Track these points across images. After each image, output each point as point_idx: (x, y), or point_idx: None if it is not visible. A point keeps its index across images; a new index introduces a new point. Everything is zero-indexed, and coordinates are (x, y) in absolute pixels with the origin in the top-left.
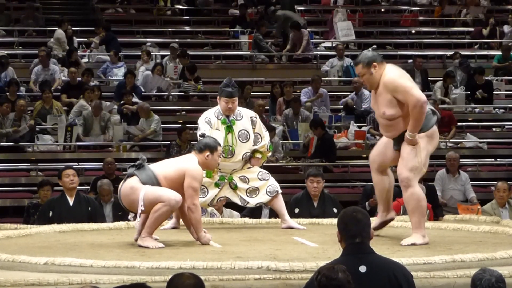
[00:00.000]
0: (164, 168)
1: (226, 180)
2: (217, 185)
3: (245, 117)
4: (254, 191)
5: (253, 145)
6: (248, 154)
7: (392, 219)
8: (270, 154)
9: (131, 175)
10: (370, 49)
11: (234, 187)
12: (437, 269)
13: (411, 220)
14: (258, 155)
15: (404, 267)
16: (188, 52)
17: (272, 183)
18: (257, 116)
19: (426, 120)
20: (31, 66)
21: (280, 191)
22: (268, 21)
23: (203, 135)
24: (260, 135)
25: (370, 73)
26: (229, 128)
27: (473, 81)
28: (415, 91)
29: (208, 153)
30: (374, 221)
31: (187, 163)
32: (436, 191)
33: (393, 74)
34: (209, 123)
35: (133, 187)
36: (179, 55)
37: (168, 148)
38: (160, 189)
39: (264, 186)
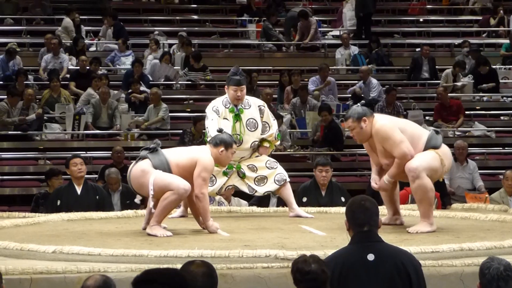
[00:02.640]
0: (177, 155)
1: (234, 169)
2: (225, 173)
3: (253, 106)
4: (262, 179)
5: (261, 134)
6: (256, 143)
7: (401, 224)
8: (278, 143)
9: (143, 158)
10: (359, 104)
11: (242, 176)
12: (445, 258)
13: (419, 210)
14: (266, 144)
15: (412, 255)
16: (195, 40)
17: (280, 172)
18: (265, 105)
19: (433, 140)
20: (39, 54)
21: (288, 179)
22: (276, 10)
23: (220, 131)
24: (268, 124)
25: (360, 127)
26: (237, 117)
27: (477, 71)
28: (404, 146)
29: (222, 148)
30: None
31: (200, 153)
32: (444, 180)
33: (384, 123)
34: (216, 112)
35: (144, 170)
36: (183, 43)
37: (182, 136)
38: (170, 176)
39: (272, 175)
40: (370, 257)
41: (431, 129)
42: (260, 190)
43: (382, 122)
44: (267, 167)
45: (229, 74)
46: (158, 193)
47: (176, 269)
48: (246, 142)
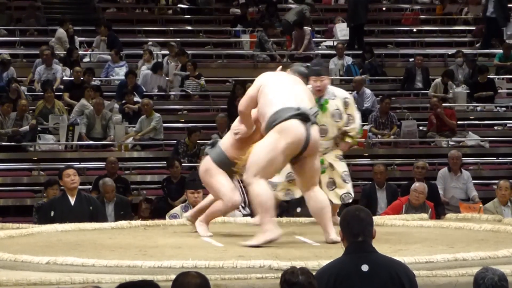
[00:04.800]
0: (227, 138)
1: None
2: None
3: (338, 97)
4: (331, 184)
5: (344, 127)
6: (339, 133)
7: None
8: (358, 137)
9: (205, 155)
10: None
11: (322, 171)
12: (439, 268)
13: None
14: (348, 140)
15: (406, 266)
16: (189, 51)
17: (350, 191)
18: (351, 98)
19: (275, 116)
20: (33, 65)
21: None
22: (270, 20)
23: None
24: (352, 117)
25: None
26: (322, 107)
27: (476, 79)
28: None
29: None
30: None
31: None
32: (438, 189)
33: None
34: None
35: (206, 169)
36: (177, 53)
37: (176, 147)
38: (225, 186)
39: (342, 188)
40: (365, 267)
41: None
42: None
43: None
44: (342, 177)
45: (310, 65)
46: (213, 194)
47: (151, 281)
48: (331, 133)
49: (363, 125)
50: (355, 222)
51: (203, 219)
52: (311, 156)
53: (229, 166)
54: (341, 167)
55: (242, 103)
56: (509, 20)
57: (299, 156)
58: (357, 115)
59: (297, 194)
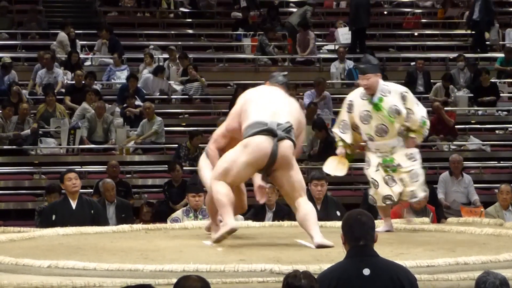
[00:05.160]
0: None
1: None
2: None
3: (394, 92)
4: (401, 182)
5: (405, 121)
6: (403, 129)
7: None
8: (426, 129)
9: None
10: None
11: (393, 170)
12: (440, 272)
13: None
14: (412, 135)
15: (408, 270)
16: (190, 55)
17: (414, 190)
18: (408, 91)
19: (247, 130)
20: (33, 70)
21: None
22: (271, 24)
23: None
24: (412, 110)
25: None
26: (377, 106)
27: (478, 82)
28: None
29: None
30: None
31: None
32: (435, 192)
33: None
34: (349, 107)
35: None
36: (179, 56)
37: (177, 150)
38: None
39: (408, 187)
40: (366, 271)
41: (269, 121)
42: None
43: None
44: (408, 175)
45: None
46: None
47: (150, 285)
48: (392, 131)
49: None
50: (357, 226)
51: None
52: (283, 169)
53: None
54: (408, 165)
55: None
56: (493, 24)
57: (269, 169)
58: (417, 108)
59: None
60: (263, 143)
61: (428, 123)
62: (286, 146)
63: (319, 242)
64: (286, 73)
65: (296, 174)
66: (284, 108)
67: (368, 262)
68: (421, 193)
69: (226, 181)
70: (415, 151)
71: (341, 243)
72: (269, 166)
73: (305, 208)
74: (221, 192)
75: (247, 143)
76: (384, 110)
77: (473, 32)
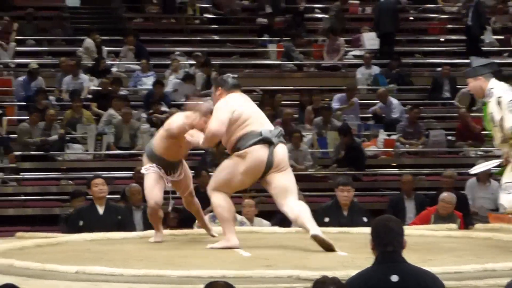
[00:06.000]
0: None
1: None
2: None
3: (493, 97)
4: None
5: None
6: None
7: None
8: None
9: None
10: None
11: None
12: (468, 278)
13: None
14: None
15: (436, 276)
16: (216, 61)
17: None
18: (504, 95)
19: (241, 141)
20: (56, 77)
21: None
22: (296, 30)
23: None
24: (504, 118)
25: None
26: (484, 112)
27: None
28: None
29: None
30: None
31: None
32: (467, 200)
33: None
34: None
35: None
36: (202, 64)
37: (203, 156)
38: (149, 185)
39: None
40: (394, 278)
41: (261, 130)
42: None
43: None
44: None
45: None
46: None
47: None
48: (496, 139)
49: (389, 135)
50: (385, 232)
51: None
52: (277, 172)
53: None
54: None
55: (218, 128)
56: (485, 29)
57: (265, 175)
58: (508, 115)
59: None
60: (260, 153)
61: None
62: (280, 150)
63: (316, 233)
64: (234, 75)
65: (289, 176)
66: (262, 113)
67: (396, 268)
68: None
69: (225, 191)
70: None
71: (368, 249)
72: (266, 173)
73: (299, 204)
74: (224, 206)
75: (244, 154)
76: (488, 116)
77: (467, 37)
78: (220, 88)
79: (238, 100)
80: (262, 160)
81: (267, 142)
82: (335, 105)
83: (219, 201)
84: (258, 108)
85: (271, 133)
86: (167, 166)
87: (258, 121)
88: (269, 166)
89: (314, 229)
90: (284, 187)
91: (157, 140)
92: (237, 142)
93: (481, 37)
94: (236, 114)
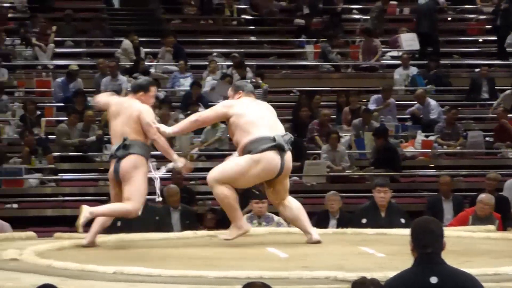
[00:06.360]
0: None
1: None
2: None
3: None
4: None
5: None
6: None
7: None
8: None
9: (126, 155)
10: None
11: None
12: (506, 280)
13: None
14: None
15: (475, 278)
16: (253, 62)
17: None
18: None
19: (253, 145)
20: (94, 79)
21: None
22: (334, 31)
23: None
24: None
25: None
26: None
27: None
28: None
29: (141, 92)
30: None
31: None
32: (508, 202)
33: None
34: None
35: (135, 166)
36: (235, 65)
37: None
38: (144, 190)
39: None
40: (433, 279)
41: (273, 135)
42: None
43: None
44: None
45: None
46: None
47: None
48: None
49: (427, 136)
50: (425, 233)
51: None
52: (284, 178)
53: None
54: None
55: (204, 116)
56: None
57: (273, 180)
58: None
59: None
60: (275, 159)
61: None
62: (289, 158)
63: (318, 239)
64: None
65: (288, 180)
66: (273, 118)
67: (435, 270)
68: None
69: (230, 184)
70: None
71: (404, 251)
72: (275, 178)
73: (297, 204)
74: (231, 196)
75: (259, 160)
76: None
77: (497, 37)
78: (241, 91)
79: (244, 103)
80: (276, 167)
81: (279, 148)
82: (371, 106)
83: (226, 192)
84: (271, 112)
85: (283, 139)
86: None
87: (268, 126)
88: (279, 173)
89: (316, 234)
90: (284, 188)
91: None
92: (249, 145)
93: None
94: (238, 117)
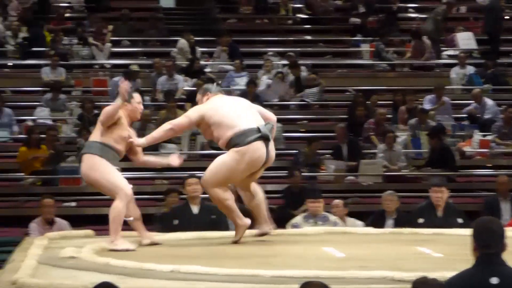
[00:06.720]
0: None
1: None
2: None
3: None
4: None
5: None
6: None
7: (266, 233)
8: None
9: (81, 156)
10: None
11: None
12: None
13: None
14: None
15: None
16: (308, 61)
17: None
18: None
19: (238, 138)
20: (150, 78)
21: None
22: (389, 29)
23: None
24: None
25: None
26: None
27: None
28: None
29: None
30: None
31: None
32: None
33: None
34: None
35: (90, 167)
36: (290, 65)
37: (296, 156)
38: (119, 176)
39: None
40: (494, 280)
41: (257, 126)
42: None
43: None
44: None
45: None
46: (106, 190)
47: None
48: None
49: (484, 135)
50: (487, 233)
51: (113, 235)
52: (264, 167)
53: (113, 155)
54: None
55: (178, 123)
56: None
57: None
58: None
59: None
60: (260, 149)
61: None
62: (272, 147)
63: (269, 231)
64: (220, 82)
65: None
66: (252, 109)
67: (496, 270)
68: None
69: (223, 186)
70: None
71: (463, 251)
72: (260, 169)
73: (261, 193)
74: (230, 198)
75: (245, 151)
76: None
77: None
78: (208, 93)
79: (222, 98)
80: (262, 157)
81: (264, 138)
82: (426, 106)
83: (221, 195)
84: (248, 103)
85: (266, 128)
86: None
87: (252, 117)
88: (265, 162)
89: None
90: (257, 177)
91: None
92: (235, 138)
93: None
94: (214, 113)
